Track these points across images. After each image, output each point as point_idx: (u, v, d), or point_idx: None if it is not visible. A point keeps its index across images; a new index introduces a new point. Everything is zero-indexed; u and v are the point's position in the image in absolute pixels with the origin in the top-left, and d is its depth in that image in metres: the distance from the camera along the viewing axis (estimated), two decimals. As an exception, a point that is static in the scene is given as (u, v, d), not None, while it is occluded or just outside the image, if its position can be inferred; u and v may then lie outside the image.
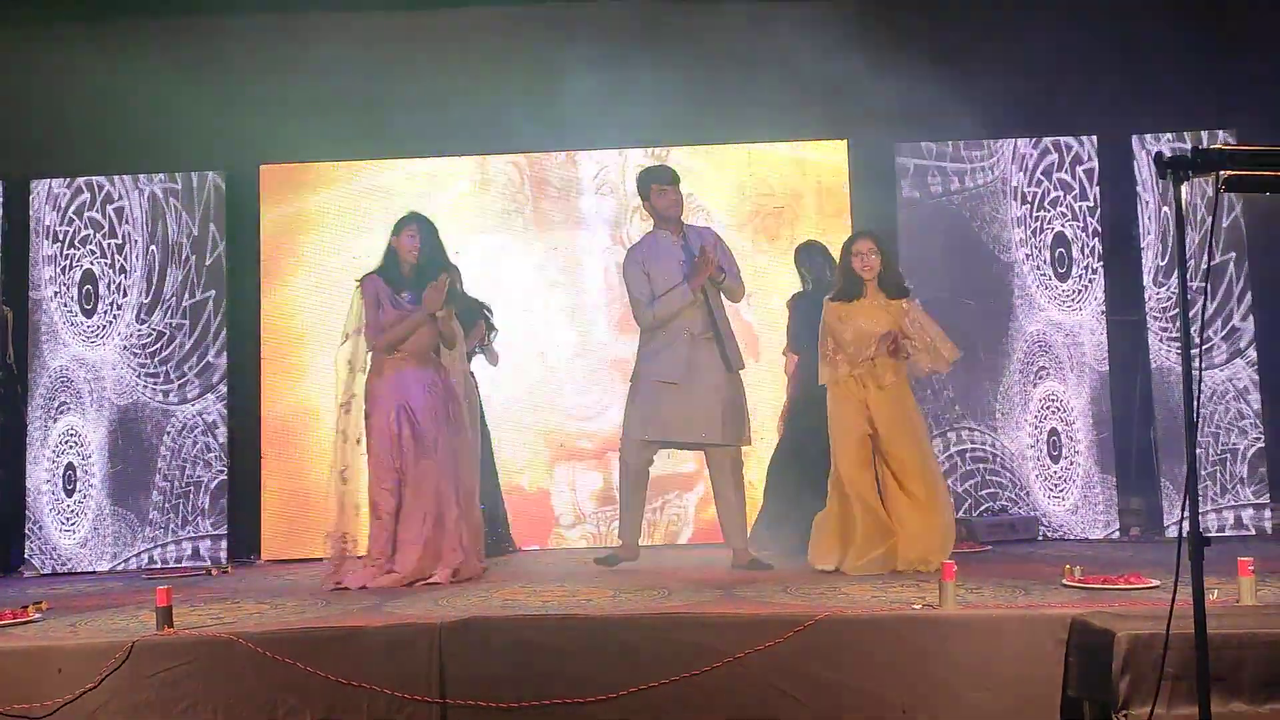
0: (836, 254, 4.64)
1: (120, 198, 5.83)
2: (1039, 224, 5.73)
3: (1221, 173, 2.39)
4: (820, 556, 4.29)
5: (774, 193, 5.89)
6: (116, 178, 5.84)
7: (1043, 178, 5.74)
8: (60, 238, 5.81)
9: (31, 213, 5.82)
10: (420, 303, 4.33)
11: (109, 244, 5.80)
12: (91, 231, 5.81)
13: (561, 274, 5.85)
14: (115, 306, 5.78)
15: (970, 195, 5.77)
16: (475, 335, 5.17)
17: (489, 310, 5.38)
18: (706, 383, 4.44)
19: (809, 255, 5.20)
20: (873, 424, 4.31)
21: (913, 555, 4.18)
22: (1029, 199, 5.73)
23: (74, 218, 5.82)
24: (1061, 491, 5.60)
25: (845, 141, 5.93)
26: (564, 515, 4.89)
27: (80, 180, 5.83)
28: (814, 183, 5.92)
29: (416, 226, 4.43)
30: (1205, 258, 5.41)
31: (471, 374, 5.16)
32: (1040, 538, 5.45)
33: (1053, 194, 5.72)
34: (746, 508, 4.63)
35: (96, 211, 5.82)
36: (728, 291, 4.58)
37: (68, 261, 5.81)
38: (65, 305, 5.79)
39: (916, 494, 4.27)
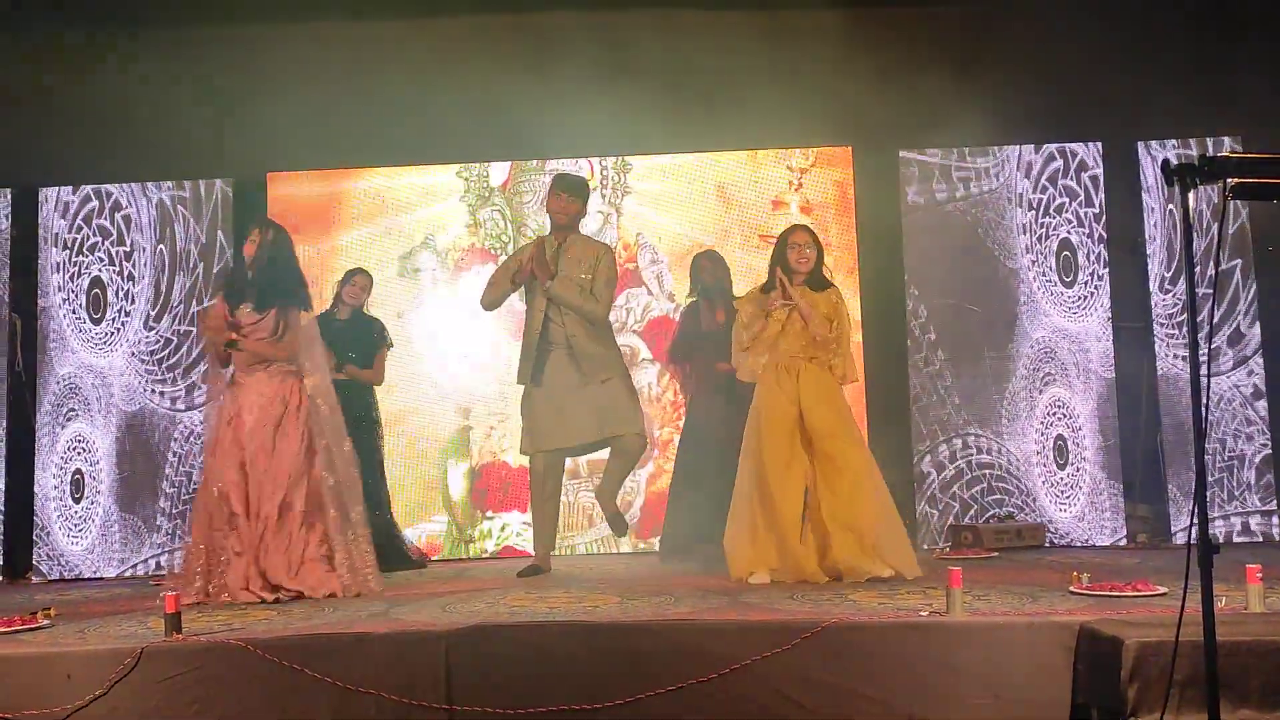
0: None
1: (128, 205, 5.86)
2: (1044, 230, 5.73)
3: (1228, 180, 2.39)
4: (741, 568, 4.13)
5: (778, 199, 5.89)
6: (125, 185, 5.87)
7: (1048, 184, 5.75)
8: (69, 245, 5.84)
9: (40, 220, 5.85)
10: (260, 310, 4.21)
11: (117, 251, 5.83)
12: (100, 239, 5.84)
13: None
14: (123, 313, 5.81)
15: (975, 201, 5.77)
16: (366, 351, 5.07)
17: (380, 327, 5.21)
18: (570, 388, 4.50)
19: (700, 266, 5.08)
20: (802, 416, 4.15)
21: (838, 564, 4.04)
22: (1034, 205, 5.74)
23: (82, 225, 5.85)
24: (1068, 498, 5.59)
25: (850, 148, 5.93)
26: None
27: (89, 188, 5.86)
28: (818, 189, 5.92)
29: (256, 232, 4.30)
30: (1211, 264, 5.41)
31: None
32: (1047, 544, 5.45)
33: (1058, 200, 5.73)
34: (621, 483, 4.71)
35: (105, 219, 5.85)
36: (564, 304, 4.51)
37: (76, 269, 5.83)
38: (74, 312, 5.82)
39: (841, 491, 4.11)
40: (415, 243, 4.54)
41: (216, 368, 4.32)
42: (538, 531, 4.69)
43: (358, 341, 5.11)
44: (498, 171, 4.87)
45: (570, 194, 4.64)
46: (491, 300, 4.61)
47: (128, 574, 5.60)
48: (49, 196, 5.86)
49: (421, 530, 4.55)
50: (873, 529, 4.08)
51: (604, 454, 4.74)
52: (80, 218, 5.86)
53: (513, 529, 4.63)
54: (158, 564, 5.64)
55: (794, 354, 4.21)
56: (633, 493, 5.45)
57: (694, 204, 5.61)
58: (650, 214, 5.46)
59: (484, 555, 5.45)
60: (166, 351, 5.76)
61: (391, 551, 4.94)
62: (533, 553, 4.77)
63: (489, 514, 4.71)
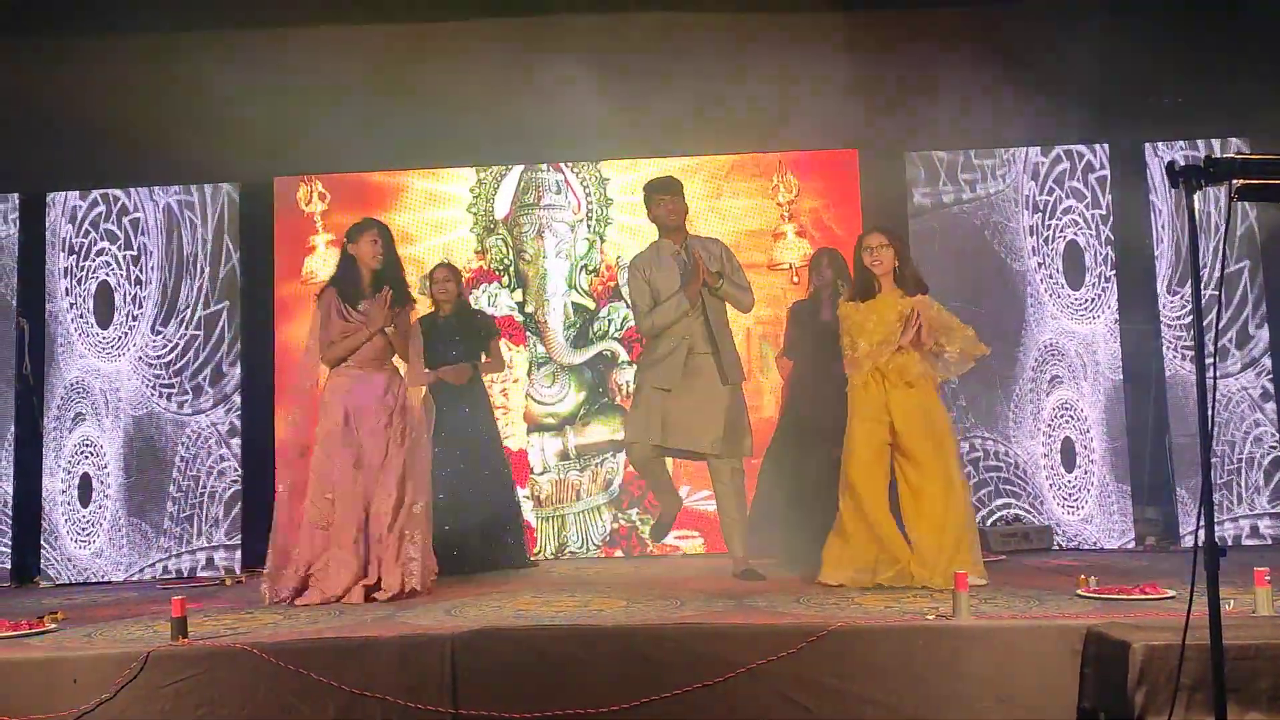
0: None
1: (136, 210, 5.88)
2: (1051, 232, 5.72)
3: (1234, 182, 2.38)
4: (831, 572, 4.15)
5: (785, 202, 5.88)
6: (132, 190, 5.89)
7: (1055, 186, 5.74)
8: (76, 250, 5.86)
9: (48, 225, 5.88)
10: (395, 307, 4.29)
11: (124, 256, 5.85)
12: (107, 243, 5.86)
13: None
14: (130, 318, 5.82)
15: (982, 204, 5.76)
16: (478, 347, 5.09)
17: (487, 319, 5.23)
18: (703, 393, 4.44)
19: (818, 263, 5.12)
20: (893, 428, 4.17)
21: (923, 575, 4.04)
22: (1041, 207, 5.72)
23: (90, 230, 5.87)
24: (1076, 501, 5.58)
25: (856, 151, 5.93)
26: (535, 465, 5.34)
27: (96, 193, 5.88)
28: (825, 192, 5.91)
29: (377, 232, 4.33)
30: (1218, 266, 5.39)
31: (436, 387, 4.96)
32: (1054, 547, 5.43)
33: (1065, 202, 5.72)
34: (746, 519, 4.61)
35: (112, 223, 5.87)
36: (731, 301, 4.56)
37: (83, 273, 5.86)
38: (81, 317, 5.84)
39: (934, 510, 4.10)
40: (430, 266, 4.93)
41: (312, 371, 4.34)
42: (663, 501, 4.57)
43: (468, 336, 5.05)
44: (501, 205, 5.16)
45: (672, 195, 4.58)
46: (663, 324, 4.48)
47: (135, 578, 5.62)
48: (56, 201, 5.89)
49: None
50: (955, 549, 4.06)
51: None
52: (88, 222, 5.88)
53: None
54: (165, 567, 5.65)
55: (884, 364, 4.19)
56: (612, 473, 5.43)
57: (707, 207, 5.63)
58: (629, 241, 5.57)
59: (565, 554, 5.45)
60: (173, 356, 5.78)
61: (517, 547, 4.97)
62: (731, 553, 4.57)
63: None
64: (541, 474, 5.09)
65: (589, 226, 5.31)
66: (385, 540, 4.19)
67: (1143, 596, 3.58)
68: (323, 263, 5.42)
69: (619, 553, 5.47)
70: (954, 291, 5.70)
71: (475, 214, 5.08)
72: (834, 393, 4.71)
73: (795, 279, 5.34)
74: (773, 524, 4.83)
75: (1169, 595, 3.58)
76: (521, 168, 5.73)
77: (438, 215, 5.20)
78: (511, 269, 5.23)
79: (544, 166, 5.74)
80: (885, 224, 4.50)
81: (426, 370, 4.71)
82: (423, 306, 4.93)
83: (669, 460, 4.79)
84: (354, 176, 6.00)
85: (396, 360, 4.43)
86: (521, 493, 5.25)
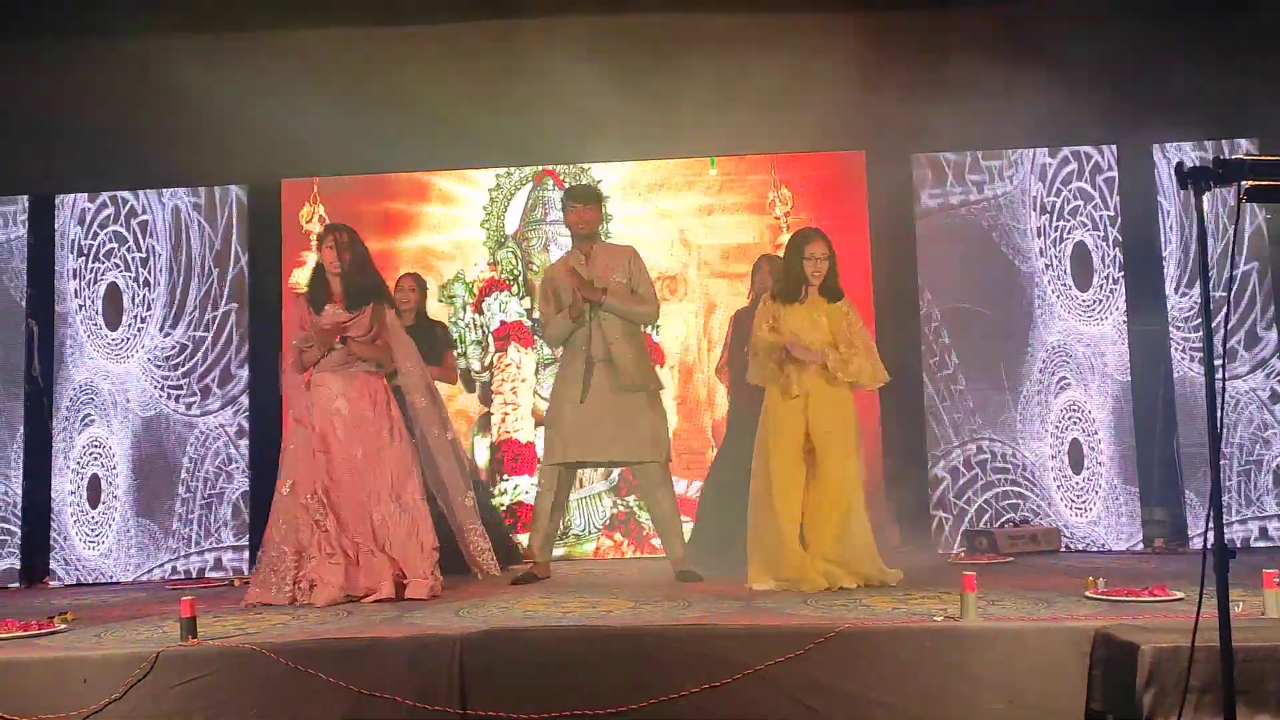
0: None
1: (144, 212, 5.90)
2: (1059, 234, 5.71)
3: (1243, 183, 2.38)
4: (756, 576, 4.17)
5: (791, 205, 5.89)
6: (140, 192, 5.91)
7: (1062, 187, 5.73)
8: (85, 252, 5.88)
9: (57, 227, 5.90)
10: (351, 310, 4.27)
11: (133, 257, 5.87)
12: (116, 245, 5.88)
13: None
14: (139, 319, 5.85)
15: (989, 205, 5.76)
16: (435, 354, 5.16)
17: (444, 331, 5.31)
18: (604, 404, 4.51)
19: (759, 269, 5.10)
20: (809, 433, 4.17)
21: (822, 580, 4.04)
22: (1049, 209, 5.72)
23: (98, 231, 5.90)
24: (1084, 503, 5.56)
25: (863, 153, 5.92)
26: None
27: (105, 195, 5.90)
28: (831, 194, 5.91)
29: (333, 238, 4.32)
30: (1227, 267, 5.38)
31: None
32: (1062, 549, 5.42)
33: (1073, 204, 5.71)
34: (679, 520, 4.71)
35: (121, 225, 5.89)
36: (620, 315, 4.56)
37: (92, 275, 5.88)
38: (90, 318, 5.86)
39: (831, 519, 4.14)
40: (449, 277, 5.30)
41: (294, 376, 4.33)
42: (535, 537, 4.71)
43: (423, 346, 5.05)
44: (511, 221, 5.40)
45: (585, 203, 4.66)
46: (557, 338, 4.70)
47: (144, 578, 5.63)
48: (65, 203, 5.91)
49: None
50: (855, 557, 4.12)
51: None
52: (96, 224, 5.90)
53: (522, 488, 5.37)
54: (174, 568, 5.67)
55: (802, 365, 4.19)
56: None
57: (660, 246, 5.69)
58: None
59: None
60: (182, 357, 5.79)
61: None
62: (530, 558, 4.78)
63: (505, 476, 5.43)
64: (549, 464, 5.37)
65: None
66: (398, 541, 4.19)
67: (1152, 598, 3.58)
68: (304, 275, 5.59)
69: (618, 535, 5.51)
70: (961, 293, 5.72)
71: (488, 229, 5.36)
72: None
73: None
74: (724, 533, 4.82)
75: (1177, 597, 3.57)
76: (530, 186, 5.79)
77: (454, 233, 5.42)
78: (520, 279, 5.45)
79: (549, 185, 5.81)
80: (821, 231, 4.43)
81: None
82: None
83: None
84: (375, 205, 5.99)
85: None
86: (529, 481, 5.35)
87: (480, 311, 5.47)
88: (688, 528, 5.07)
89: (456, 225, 5.48)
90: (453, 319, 5.60)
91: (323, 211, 5.66)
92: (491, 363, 5.32)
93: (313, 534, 4.18)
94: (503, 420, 5.43)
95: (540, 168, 5.84)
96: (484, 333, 5.45)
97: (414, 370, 4.41)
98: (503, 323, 5.41)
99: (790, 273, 4.26)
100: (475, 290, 5.35)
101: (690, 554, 4.78)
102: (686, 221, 5.41)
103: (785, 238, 5.46)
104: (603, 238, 4.79)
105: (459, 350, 5.55)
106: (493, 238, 5.41)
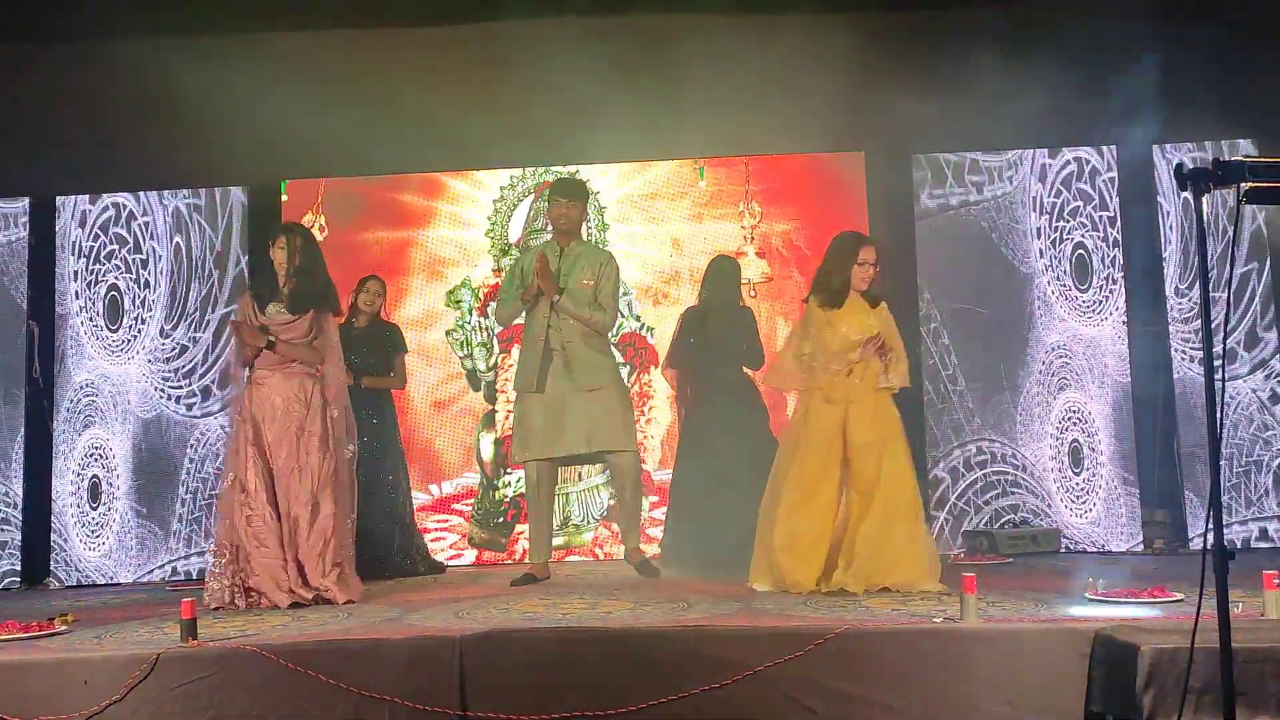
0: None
1: (145, 213, 5.90)
2: (1059, 235, 5.72)
3: (1242, 184, 2.38)
4: (757, 576, 4.13)
5: (791, 205, 5.87)
6: (141, 194, 5.92)
7: (1062, 188, 5.73)
8: (86, 253, 5.89)
9: (58, 229, 5.90)
10: (294, 313, 4.27)
11: (134, 259, 5.87)
12: (117, 247, 5.89)
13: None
14: (139, 321, 5.85)
15: (989, 206, 5.76)
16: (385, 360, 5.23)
17: (397, 335, 5.35)
18: (566, 397, 4.55)
19: (715, 268, 5.13)
20: (846, 440, 4.09)
21: (871, 577, 3.94)
22: (1048, 210, 5.72)
23: (99, 233, 5.90)
24: (1084, 503, 5.56)
25: (862, 153, 5.93)
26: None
27: (106, 197, 5.91)
28: (831, 195, 5.91)
29: (284, 239, 4.34)
30: (1227, 268, 5.38)
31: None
32: (1062, 550, 5.42)
33: (1072, 205, 5.71)
34: (641, 508, 4.79)
35: (121, 227, 5.90)
36: (571, 317, 4.59)
37: (93, 277, 5.88)
38: (91, 320, 5.86)
39: (871, 527, 3.99)
40: (456, 283, 5.55)
41: (239, 370, 4.38)
42: (534, 540, 4.75)
43: (376, 348, 5.23)
44: (514, 231, 5.63)
45: (569, 199, 4.67)
46: (504, 317, 4.86)
47: (144, 580, 5.63)
48: (66, 205, 5.92)
49: (459, 482, 5.52)
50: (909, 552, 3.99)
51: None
52: (97, 226, 5.91)
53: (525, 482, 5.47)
54: (174, 569, 5.67)
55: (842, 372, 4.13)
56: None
57: (653, 245, 5.81)
58: (622, 262, 5.61)
59: (506, 562, 5.65)
60: (182, 359, 5.80)
61: (416, 555, 5.16)
62: (528, 560, 4.81)
63: (508, 469, 5.58)
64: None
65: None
66: (305, 548, 4.14)
67: (1152, 600, 3.58)
68: None
69: (615, 525, 5.54)
70: (961, 294, 5.72)
71: (492, 238, 5.59)
72: (724, 400, 4.90)
73: (753, 293, 5.63)
74: (692, 534, 4.85)
75: (1177, 599, 3.57)
76: (532, 198, 5.87)
77: (460, 241, 5.65)
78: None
79: (539, 223, 5.89)
80: (874, 237, 4.42)
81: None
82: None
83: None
84: (367, 180, 6.02)
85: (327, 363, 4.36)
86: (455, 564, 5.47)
87: (485, 315, 5.60)
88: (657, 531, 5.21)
89: (463, 233, 5.63)
90: (459, 322, 5.67)
91: (324, 221, 5.76)
92: (495, 363, 5.48)
93: (247, 529, 4.15)
94: (506, 417, 5.56)
95: (542, 180, 5.88)
96: (489, 335, 5.59)
97: (337, 380, 4.36)
98: (403, 335, 5.51)
99: (837, 277, 4.17)
100: (480, 295, 5.53)
101: (666, 556, 4.90)
102: (678, 228, 5.55)
103: (750, 247, 5.62)
104: (583, 237, 4.81)
105: (464, 353, 5.61)
106: (497, 246, 5.61)
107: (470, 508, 5.52)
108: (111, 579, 5.67)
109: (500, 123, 5.82)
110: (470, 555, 5.54)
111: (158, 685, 3.15)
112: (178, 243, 5.87)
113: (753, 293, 5.67)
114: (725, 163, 5.90)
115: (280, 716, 3.14)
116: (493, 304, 5.53)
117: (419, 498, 5.50)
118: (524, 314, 4.69)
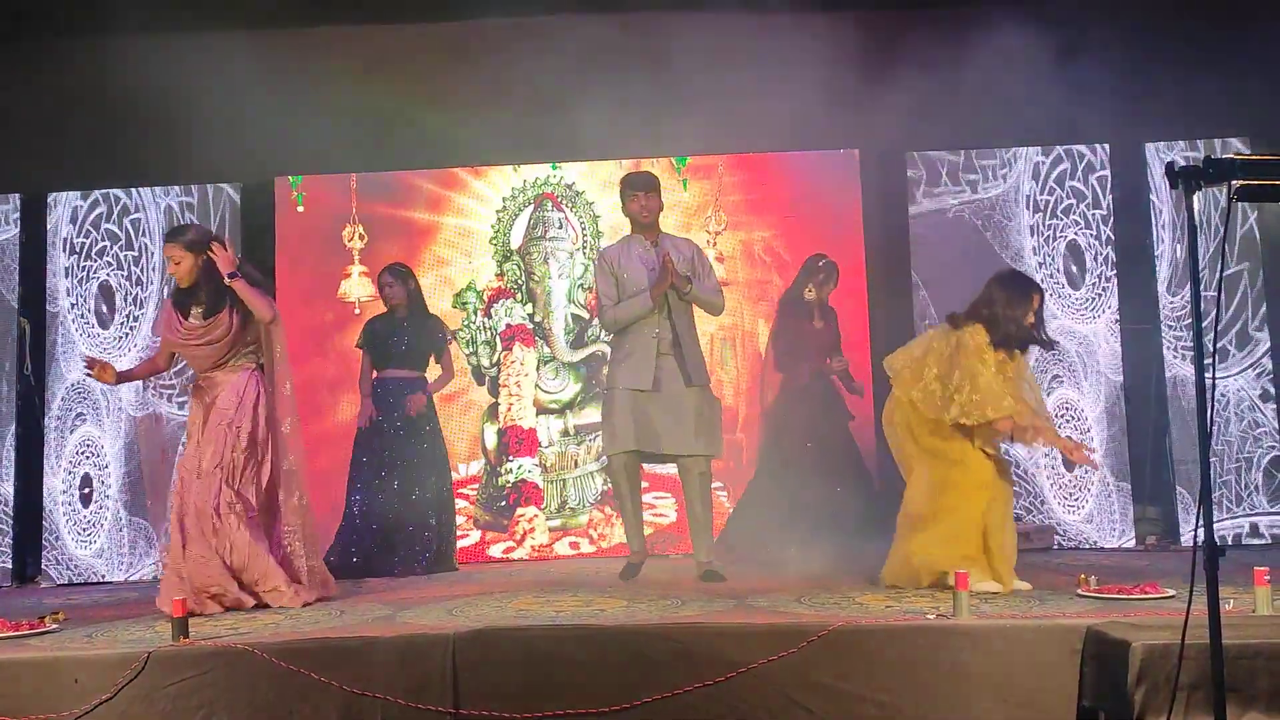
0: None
1: (137, 210, 5.88)
2: (1052, 232, 5.73)
3: (1234, 182, 2.39)
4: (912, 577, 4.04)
5: (713, 232, 5.93)
6: (133, 190, 5.89)
7: (1055, 186, 5.74)
8: (77, 250, 5.87)
9: (49, 226, 5.88)
10: (211, 317, 4.21)
11: (125, 256, 5.85)
12: (108, 244, 5.86)
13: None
14: (131, 318, 5.83)
15: (983, 204, 5.77)
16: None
17: (439, 325, 5.50)
18: (672, 394, 4.51)
19: (813, 268, 5.37)
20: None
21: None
22: (1041, 208, 5.73)
23: (91, 230, 5.88)
24: (1076, 500, 5.58)
25: (856, 152, 5.93)
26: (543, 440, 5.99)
27: (97, 193, 5.89)
28: (825, 193, 5.91)
29: (176, 250, 4.24)
30: (1219, 267, 5.39)
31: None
32: (1055, 547, 5.43)
33: (1065, 202, 5.72)
34: (712, 520, 4.71)
35: (113, 224, 5.87)
36: (700, 304, 4.61)
37: (84, 274, 5.86)
38: (82, 317, 5.84)
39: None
40: (462, 286, 5.84)
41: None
42: (628, 531, 4.73)
43: (412, 340, 5.35)
44: (515, 238, 5.91)
45: (647, 191, 4.61)
46: (624, 320, 4.58)
47: (135, 578, 5.62)
48: (57, 201, 5.89)
49: (465, 469, 5.80)
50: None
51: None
52: (88, 222, 5.89)
53: (525, 468, 5.84)
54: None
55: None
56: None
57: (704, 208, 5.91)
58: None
59: (516, 558, 5.74)
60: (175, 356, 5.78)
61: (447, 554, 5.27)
62: (629, 551, 4.77)
63: (510, 457, 5.86)
64: (548, 447, 5.92)
65: (584, 254, 5.99)
66: (240, 552, 4.05)
67: (1143, 596, 3.59)
68: (355, 287, 5.90)
69: (608, 509, 5.72)
70: (955, 292, 5.71)
71: (495, 245, 5.89)
72: (817, 393, 5.04)
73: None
74: (762, 529, 4.90)
75: (1169, 595, 3.58)
76: (532, 208, 5.97)
77: (466, 248, 5.94)
78: (524, 287, 5.92)
79: (548, 206, 5.97)
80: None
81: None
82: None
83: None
84: (358, 177, 6.01)
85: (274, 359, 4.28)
86: (531, 462, 5.82)
87: (489, 316, 5.88)
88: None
89: (468, 240, 5.92)
90: (465, 322, 5.87)
91: (362, 230, 5.92)
92: (498, 360, 5.82)
93: (176, 530, 4.11)
94: (508, 409, 5.88)
95: (541, 191, 5.98)
96: (492, 334, 5.88)
97: (274, 377, 4.26)
98: (508, 325, 5.90)
99: (1015, 325, 4.02)
100: (485, 297, 5.87)
101: (726, 544, 4.97)
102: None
103: (711, 251, 5.72)
104: (660, 229, 4.75)
105: (469, 350, 5.82)
106: (499, 252, 5.90)
107: (475, 492, 5.78)
108: (102, 578, 5.65)
109: (505, 121, 5.81)
110: (475, 535, 5.75)
111: (149, 684, 3.14)
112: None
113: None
114: (710, 173, 5.97)
115: (272, 715, 3.14)
116: (504, 303, 5.80)
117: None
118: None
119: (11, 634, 3.60)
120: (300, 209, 5.91)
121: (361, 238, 5.87)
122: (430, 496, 5.25)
